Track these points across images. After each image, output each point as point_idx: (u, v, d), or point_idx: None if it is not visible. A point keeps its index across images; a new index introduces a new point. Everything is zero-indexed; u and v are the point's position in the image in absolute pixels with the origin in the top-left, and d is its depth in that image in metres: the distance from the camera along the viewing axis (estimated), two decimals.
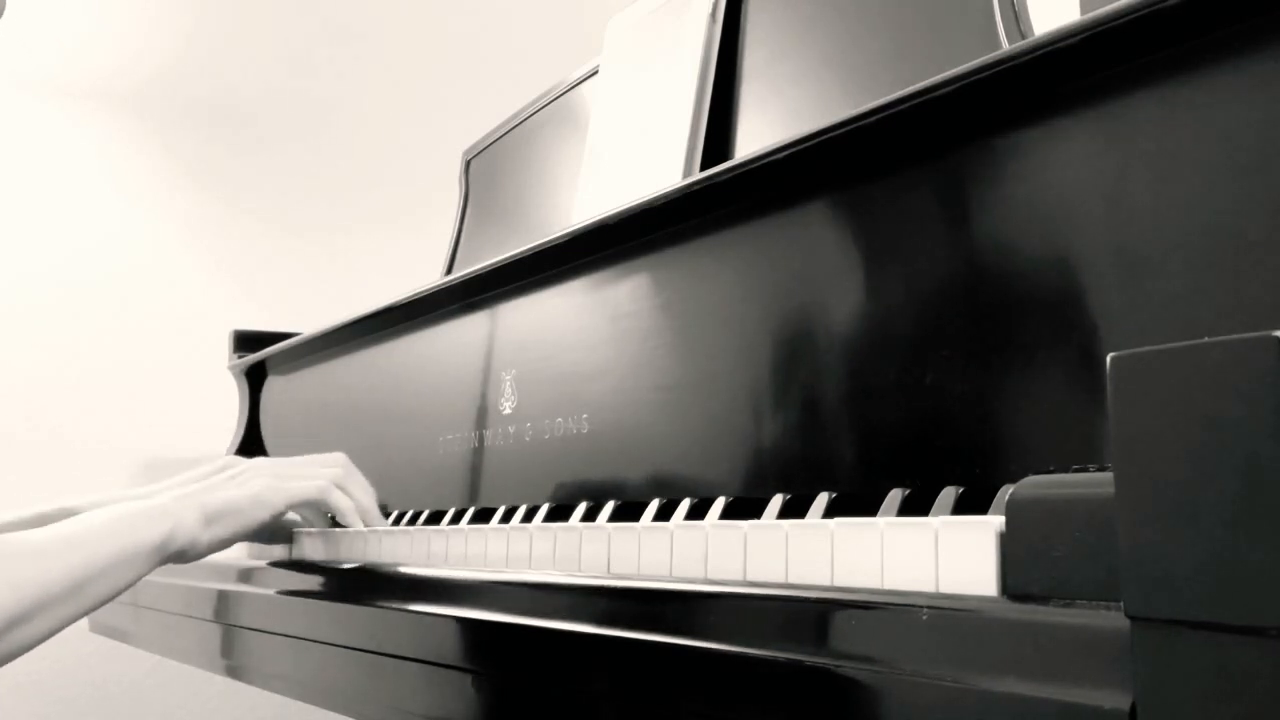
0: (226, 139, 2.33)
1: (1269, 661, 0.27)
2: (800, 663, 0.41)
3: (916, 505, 0.57)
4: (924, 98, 0.59)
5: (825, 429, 0.66)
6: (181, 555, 0.78)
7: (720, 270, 0.75)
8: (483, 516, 0.95)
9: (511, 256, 0.94)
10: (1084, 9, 0.57)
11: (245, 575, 0.96)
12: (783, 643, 0.42)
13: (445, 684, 0.63)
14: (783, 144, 0.68)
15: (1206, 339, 0.29)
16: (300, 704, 0.89)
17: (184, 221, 2.26)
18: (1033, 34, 0.67)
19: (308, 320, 1.35)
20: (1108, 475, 0.32)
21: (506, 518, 0.91)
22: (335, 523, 0.94)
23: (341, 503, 0.90)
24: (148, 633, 1.20)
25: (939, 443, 0.58)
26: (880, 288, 0.64)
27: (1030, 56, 0.54)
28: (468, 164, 1.45)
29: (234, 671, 1.01)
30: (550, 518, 0.85)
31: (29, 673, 1.69)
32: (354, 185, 2.41)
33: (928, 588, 0.42)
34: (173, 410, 2.10)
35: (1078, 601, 0.35)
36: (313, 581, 0.84)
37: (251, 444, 1.43)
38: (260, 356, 1.41)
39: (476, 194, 1.42)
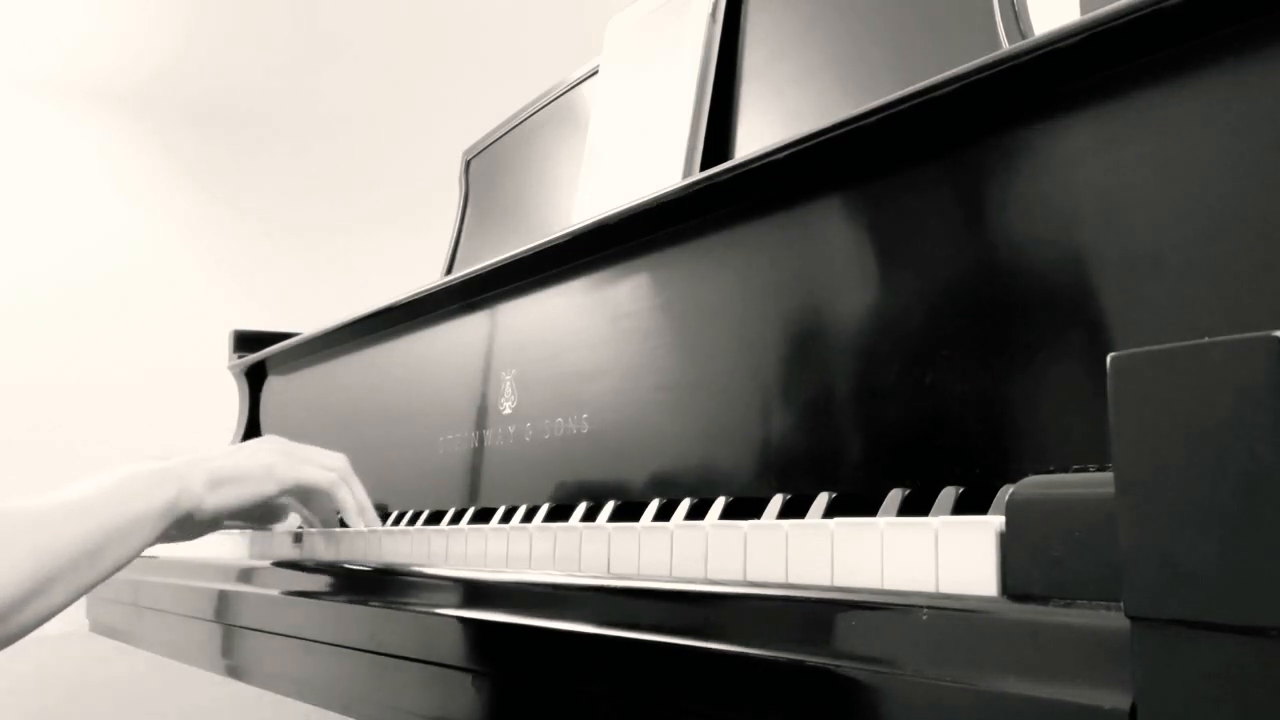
0: (226, 139, 2.33)
1: (1269, 661, 0.27)
2: (800, 663, 0.41)
3: (917, 505, 0.57)
4: (924, 98, 0.59)
5: (825, 429, 0.66)
6: (189, 518, 0.78)
7: (720, 270, 0.75)
8: (483, 516, 0.95)
9: (511, 256, 0.94)
10: (1084, 9, 0.57)
11: (246, 575, 0.96)
12: (783, 643, 0.42)
13: (445, 684, 0.63)
14: (783, 144, 0.68)
15: (1206, 339, 0.29)
16: (300, 704, 0.88)
17: (184, 221, 2.27)
18: (1033, 34, 0.67)
19: (308, 320, 1.35)
20: (1108, 475, 0.32)
21: (506, 518, 0.91)
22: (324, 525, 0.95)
23: (348, 500, 0.90)
24: (148, 633, 1.20)
25: (939, 443, 0.58)
26: (880, 288, 0.64)
27: (1030, 56, 0.54)
28: (468, 164, 1.45)
29: (234, 671, 1.01)
30: (550, 518, 0.85)
31: (29, 673, 1.69)
32: (354, 185, 2.41)
33: (928, 588, 0.42)
34: (173, 410, 2.10)
35: (1078, 601, 0.35)
36: (313, 581, 0.84)
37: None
38: (260, 356, 1.41)
39: (476, 194, 1.42)
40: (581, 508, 0.82)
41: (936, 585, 0.42)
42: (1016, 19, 0.71)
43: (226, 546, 1.09)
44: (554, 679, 0.55)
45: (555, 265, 0.91)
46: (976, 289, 0.58)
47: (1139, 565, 0.30)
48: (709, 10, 0.97)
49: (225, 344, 1.50)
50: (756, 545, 0.50)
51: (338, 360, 1.27)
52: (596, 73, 1.15)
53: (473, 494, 0.99)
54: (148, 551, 0.78)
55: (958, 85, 0.58)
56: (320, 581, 0.84)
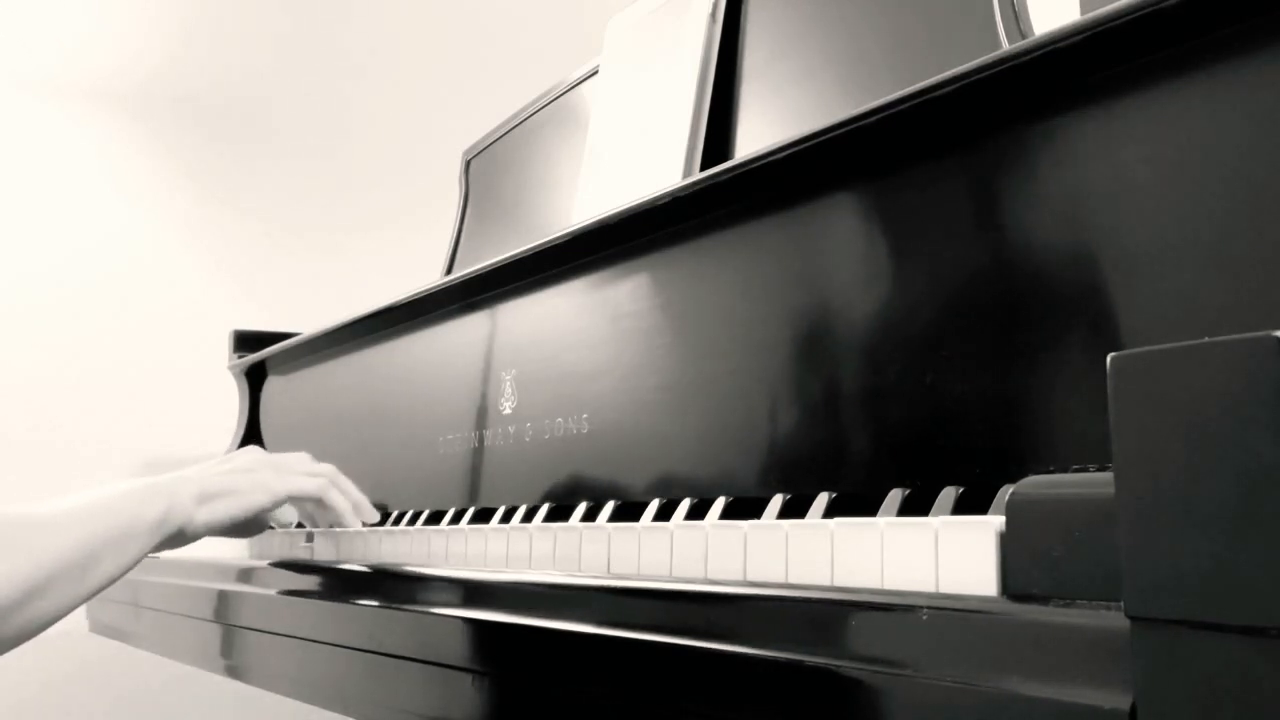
0: (226, 139, 2.33)
1: (1269, 661, 0.27)
2: (800, 663, 0.41)
3: (917, 505, 0.57)
4: (924, 97, 0.59)
5: (825, 429, 0.66)
6: (180, 533, 0.79)
7: (720, 270, 0.75)
8: (483, 516, 0.95)
9: (511, 256, 0.94)
10: (1084, 9, 0.57)
11: (245, 575, 0.96)
12: (783, 643, 0.42)
13: (445, 684, 0.63)
14: (783, 144, 0.68)
15: (1206, 339, 0.29)
16: (300, 704, 0.88)
17: (184, 221, 2.27)
18: (1033, 34, 0.67)
19: (308, 320, 1.35)
20: (1108, 475, 0.32)
21: (506, 518, 0.91)
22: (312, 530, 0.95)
23: (340, 502, 0.90)
24: (148, 633, 1.20)
25: (939, 443, 0.58)
26: (880, 288, 0.64)
27: (1030, 56, 0.54)
28: (468, 164, 1.45)
29: (234, 671, 1.01)
30: (550, 518, 0.85)
31: (29, 673, 1.69)
32: (354, 185, 2.41)
33: (928, 588, 0.42)
34: (173, 410, 2.10)
35: (1078, 601, 0.35)
36: (313, 581, 0.84)
37: (251, 444, 1.43)
38: (260, 356, 1.41)
39: (476, 194, 1.42)
40: (581, 508, 0.82)
41: (937, 585, 0.42)
42: (1016, 19, 0.71)
43: (226, 546, 1.09)
44: (554, 679, 0.55)
45: (555, 265, 0.91)
46: (976, 289, 0.58)
47: (1139, 565, 0.30)
48: (709, 10, 0.97)
49: (225, 344, 1.50)
50: (756, 545, 0.50)
51: (338, 360, 1.27)
52: (596, 73, 1.15)
53: (473, 494, 0.99)
54: None
55: (958, 85, 0.58)
56: (319, 581, 0.84)
